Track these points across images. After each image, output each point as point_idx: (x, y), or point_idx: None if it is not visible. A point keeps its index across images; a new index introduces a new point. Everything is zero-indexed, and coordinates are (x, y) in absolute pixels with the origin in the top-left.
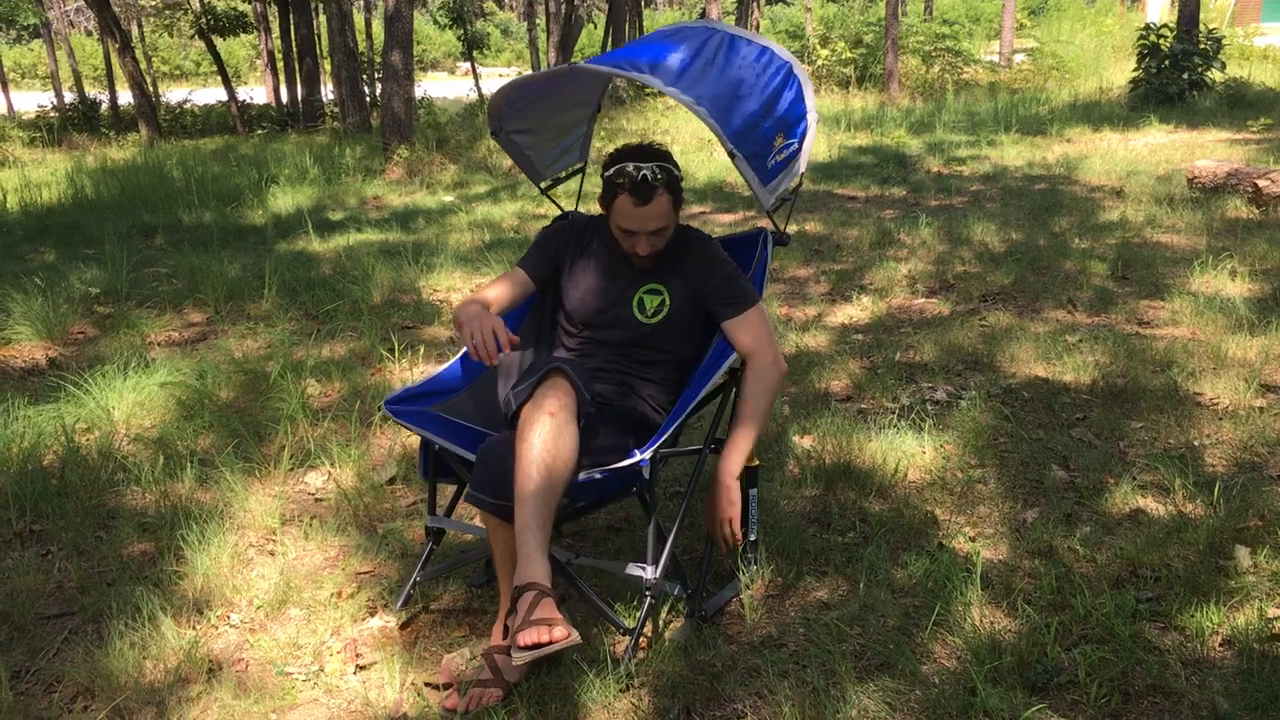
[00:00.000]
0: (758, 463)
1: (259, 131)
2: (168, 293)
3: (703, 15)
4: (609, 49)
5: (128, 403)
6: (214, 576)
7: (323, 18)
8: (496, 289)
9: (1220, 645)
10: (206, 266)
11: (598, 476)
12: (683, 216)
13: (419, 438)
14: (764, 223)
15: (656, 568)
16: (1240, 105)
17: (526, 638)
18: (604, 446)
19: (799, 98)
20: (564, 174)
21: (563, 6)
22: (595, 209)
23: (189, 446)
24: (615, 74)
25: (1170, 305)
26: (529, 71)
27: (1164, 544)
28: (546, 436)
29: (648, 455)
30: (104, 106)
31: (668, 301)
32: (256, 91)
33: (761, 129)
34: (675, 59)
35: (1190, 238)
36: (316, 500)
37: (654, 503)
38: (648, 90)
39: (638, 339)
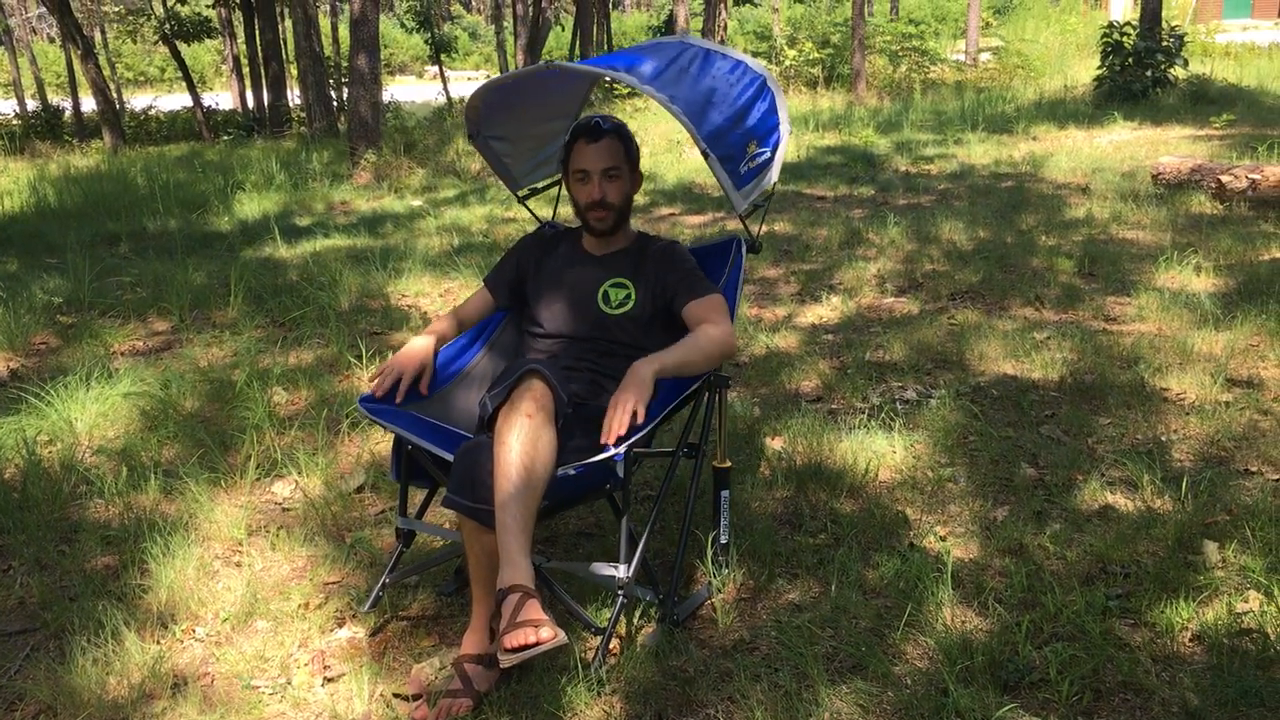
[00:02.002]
0: (729, 464)
1: (225, 137)
2: (132, 301)
3: (670, 17)
4: (577, 51)
5: (90, 414)
6: (179, 590)
7: (288, 22)
8: (467, 307)
9: (1190, 641)
10: (171, 274)
11: (572, 473)
12: (652, 218)
13: (388, 444)
14: (734, 226)
15: (629, 567)
16: (1203, 102)
17: (513, 640)
18: (578, 447)
19: (772, 109)
20: (541, 184)
21: (530, 9)
22: (571, 219)
23: (153, 457)
24: (592, 73)
25: (1136, 301)
26: (497, 74)
27: (1133, 540)
28: (525, 439)
29: (623, 450)
30: (67, 114)
31: (633, 295)
32: (222, 97)
33: (734, 135)
34: (650, 66)
35: (1155, 234)
36: (284, 510)
37: (627, 502)
38: (617, 93)
39: (603, 331)
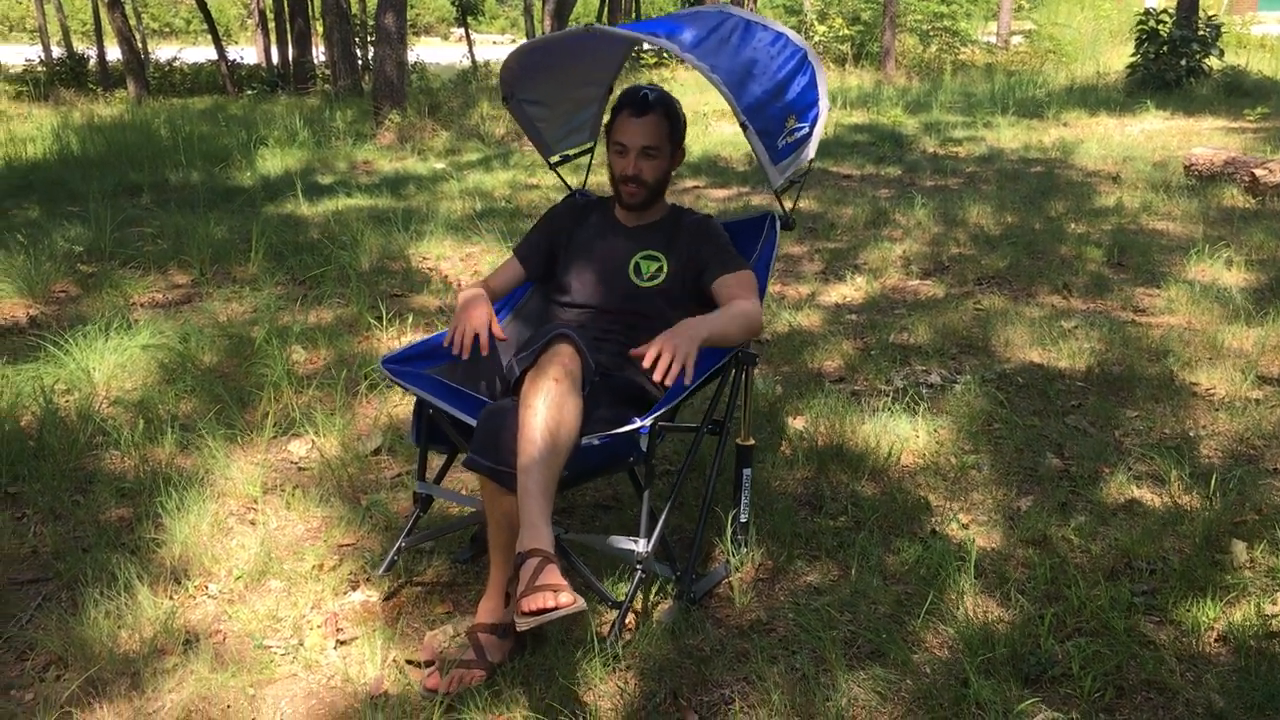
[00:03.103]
0: (752, 442)
1: (249, 92)
2: (153, 253)
3: None
4: (604, 18)
5: (108, 364)
6: (193, 545)
7: None
8: (497, 277)
9: (1216, 641)
10: (192, 227)
11: (596, 443)
12: (676, 191)
13: (406, 407)
14: (759, 200)
15: (648, 542)
16: (1237, 93)
17: (531, 603)
18: (603, 417)
19: (811, 84)
20: (573, 151)
21: None
22: (602, 185)
23: (170, 411)
24: (632, 37)
25: (1166, 293)
26: (523, 40)
27: (1159, 536)
28: (551, 403)
29: (649, 422)
30: (91, 62)
31: (665, 268)
32: (247, 52)
33: (772, 109)
34: (690, 34)
35: (1186, 225)
36: (299, 469)
37: (649, 476)
38: (644, 62)
39: (634, 304)
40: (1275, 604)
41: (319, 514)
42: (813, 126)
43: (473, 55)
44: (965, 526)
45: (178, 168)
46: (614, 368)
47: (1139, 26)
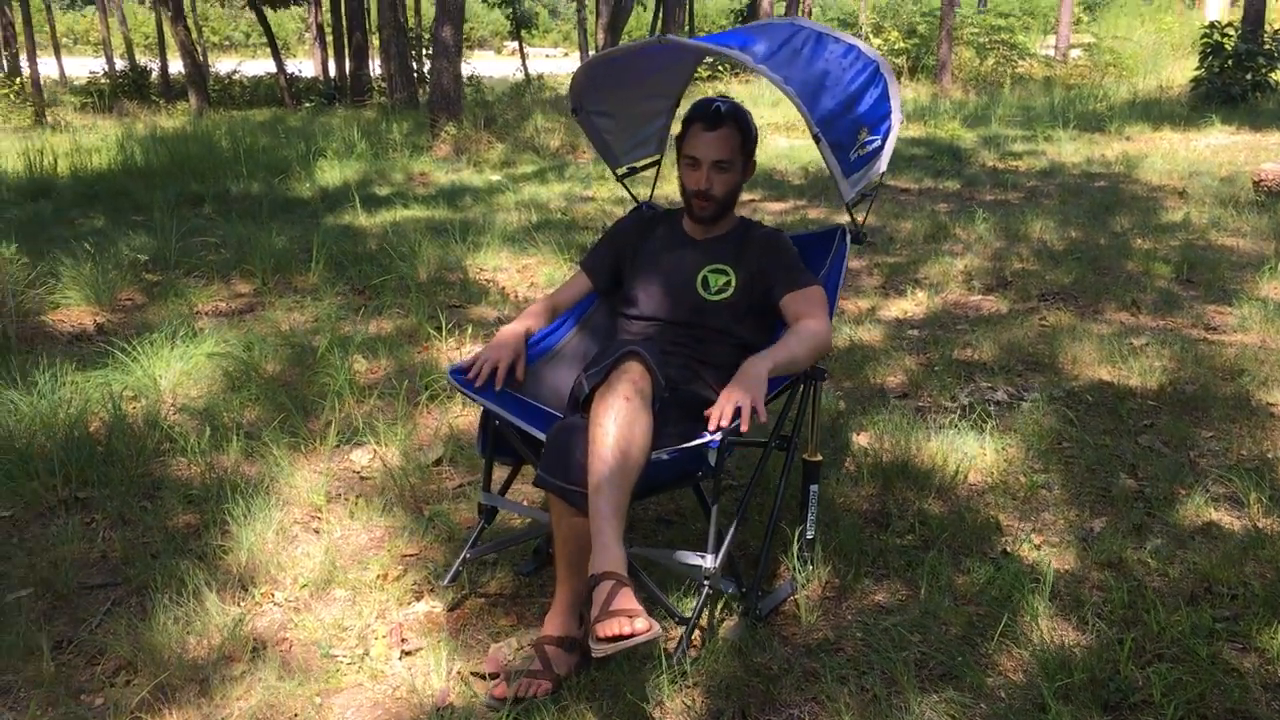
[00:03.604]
0: (819, 458)
1: (307, 104)
2: (215, 262)
3: (753, 1)
4: (658, 31)
5: (174, 372)
6: (259, 553)
7: None
8: (564, 292)
9: None
10: (254, 237)
11: (665, 457)
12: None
13: (467, 418)
14: (815, 214)
15: (716, 557)
16: None
17: (607, 629)
18: (672, 432)
19: (884, 96)
20: (640, 164)
21: None
22: (670, 197)
23: (235, 419)
24: (705, 49)
25: (1239, 311)
26: (576, 53)
27: (1240, 560)
28: (621, 421)
29: (719, 437)
30: (154, 74)
31: (734, 282)
32: (304, 65)
33: (845, 121)
34: (763, 47)
35: (1257, 242)
36: (362, 479)
37: (717, 491)
38: (699, 74)
39: (700, 317)
40: None
41: (382, 524)
42: (885, 140)
43: (526, 68)
44: (1037, 547)
45: (239, 179)
46: (681, 381)
47: (1203, 40)
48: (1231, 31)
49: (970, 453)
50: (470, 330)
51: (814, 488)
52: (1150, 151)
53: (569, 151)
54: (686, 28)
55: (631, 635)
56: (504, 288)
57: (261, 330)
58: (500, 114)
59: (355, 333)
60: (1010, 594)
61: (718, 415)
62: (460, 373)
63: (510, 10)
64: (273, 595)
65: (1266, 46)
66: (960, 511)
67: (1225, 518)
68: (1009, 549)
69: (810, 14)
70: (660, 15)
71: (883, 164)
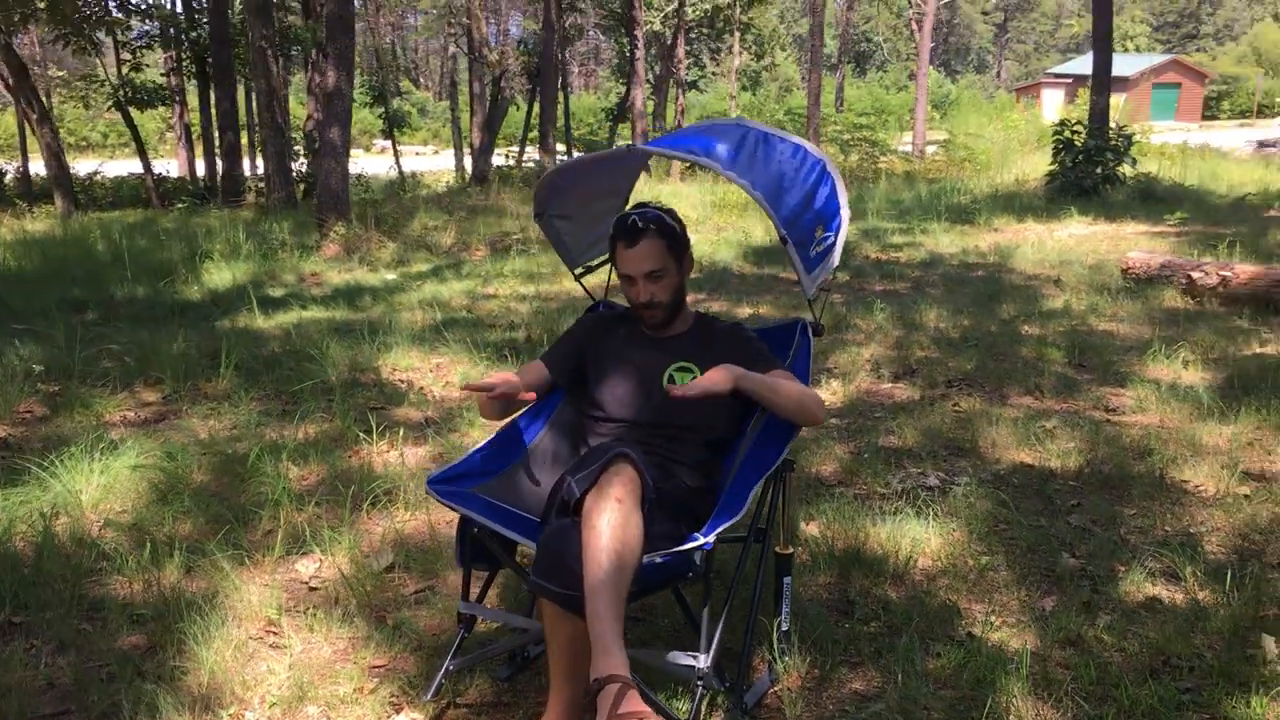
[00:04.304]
0: (791, 550)
1: (179, 205)
2: (116, 370)
3: (622, 100)
4: (535, 130)
5: (94, 486)
6: (219, 672)
7: (241, 91)
8: (523, 376)
9: None
10: (153, 343)
11: (659, 560)
12: None
13: (414, 524)
14: (743, 312)
15: (708, 656)
16: (1151, 199)
17: None
18: (659, 533)
19: (833, 194)
20: (595, 263)
21: (487, 88)
22: (620, 299)
23: (169, 532)
24: (673, 156)
25: (1133, 393)
26: (448, 150)
27: (1188, 633)
28: (615, 523)
29: (712, 539)
30: (8, 176)
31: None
32: (169, 165)
33: (804, 220)
34: (722, 148)
35: (1135, 326)
36: (311, 589)
37: (708, 591)
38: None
39: (671, 416)
40: None
41: (344, 634)
42: (837, 235)
43: (400, 166)
44: (997, 629)
45: (122, 282)
46: (661, 480)
47: (1055, 137)
48: (1080, 129)
49: (917, 537)
50: (402, 433)
51: (787, 580)
52: (1020, 242)
53: (462, 249)
54: (562, 125)
55: None
56: (421, 388)
57: (180, 440)
58: (390, 213)
59: (283, 440)
60: (984, 676)
61: (680, 390)
62: (439, 483)
63: (383, 110)
64: (243, 716)
65: (1113, 143)
66: (919, 596)
67: (1165, 591)
68: (973, 632)
69: (683, 112)
70: (536, 114)
71: (835, 259)
